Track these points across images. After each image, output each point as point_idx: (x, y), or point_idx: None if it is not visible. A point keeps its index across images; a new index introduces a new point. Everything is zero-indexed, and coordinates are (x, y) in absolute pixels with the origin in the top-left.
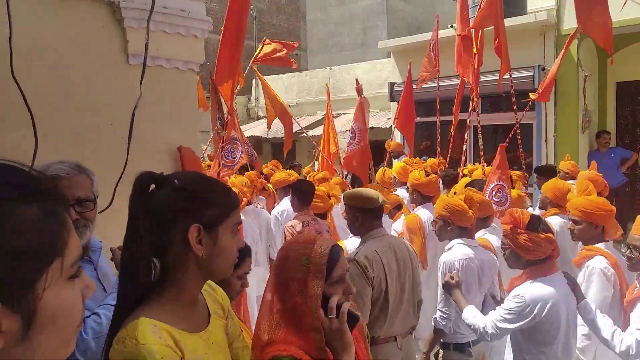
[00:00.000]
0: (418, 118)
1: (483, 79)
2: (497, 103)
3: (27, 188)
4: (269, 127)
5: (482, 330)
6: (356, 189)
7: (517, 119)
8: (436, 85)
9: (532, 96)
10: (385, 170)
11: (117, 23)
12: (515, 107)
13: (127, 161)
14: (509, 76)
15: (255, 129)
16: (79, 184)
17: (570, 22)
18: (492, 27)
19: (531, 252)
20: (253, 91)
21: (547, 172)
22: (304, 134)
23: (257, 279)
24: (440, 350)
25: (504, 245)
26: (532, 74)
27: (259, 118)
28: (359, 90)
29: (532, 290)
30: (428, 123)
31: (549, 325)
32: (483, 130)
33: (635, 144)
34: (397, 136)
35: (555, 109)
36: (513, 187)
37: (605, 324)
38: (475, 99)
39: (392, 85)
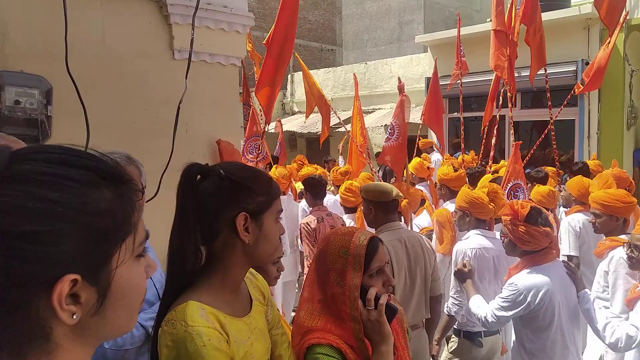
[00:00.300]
0: (456, 113)
1: (524, 73)
2: (539, 98)
3: (103, 172)
4: (307, 117)
5: (483, 319)
6: (371, 183)
7: (551, 115)
8: (470, 80)
9: (577, 89)
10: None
11: (164, 19)
12: (550, 103)
13: (172, 152)
14: (545, 71)
15: (290, 123)
16: (132, 174)
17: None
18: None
19: (527, 244)
20: (288, 86)
21: (579, 171)
22: (339, 129)
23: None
24: (453, 337)
25: (503, 234)
26: (574, 68)
27: (294, 113)
28: (401, 88)
29: (526, 278)
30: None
31: (544, 312)
32: (521, 126)
33: None
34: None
35: (599, 104)
36: (544, 184)
37: (600, 315)
38: (509, 95)
39: (428, 80)
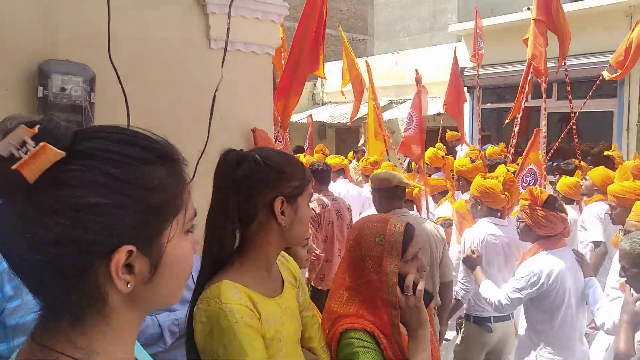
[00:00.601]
0: (489, 104)
1: (551, 65)
2: (575, 89)
3: (158, 151)
4: (342, 92)
5: (497, 303)
6: (376, 172)
7: (571, 107)
8: (506, 70)
9: (605, 75)
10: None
11: (201, 9)
12: (570, 97)
13: (208, 139)
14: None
15: (320, 114)
16: None
17: None
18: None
19: (543, 228)
20: None
21: (599, 161)
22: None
23: None
24: (465, 323)
25: (519, 219)
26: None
27: (324, 103)
28: (418, 80)
29: (540, 260)
30: (499, 109)
31: (555, 293)
32: (552, 117)
33: None
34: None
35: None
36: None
37: (597, 296)
38: (544, 85)
39: (462, 70)
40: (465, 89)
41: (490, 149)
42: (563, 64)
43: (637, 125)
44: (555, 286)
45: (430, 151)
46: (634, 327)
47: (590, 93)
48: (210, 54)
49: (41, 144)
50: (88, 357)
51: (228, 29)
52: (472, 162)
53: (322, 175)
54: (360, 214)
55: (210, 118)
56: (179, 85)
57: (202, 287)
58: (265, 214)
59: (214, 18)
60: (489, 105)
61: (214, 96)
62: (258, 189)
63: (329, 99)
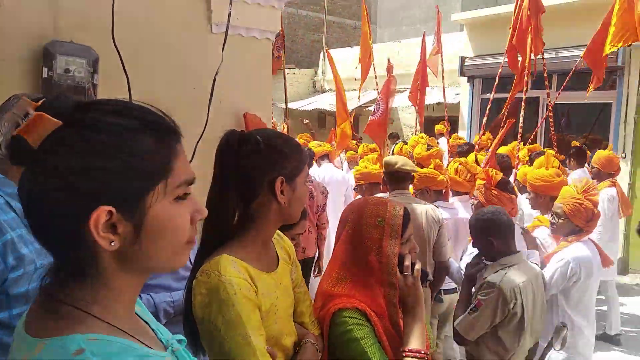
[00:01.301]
0: (488, 94)
1: (562, 54)
2: (576, 80)
3: (148, 121)
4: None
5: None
6: (387, 157)
7: (549, 100)
8: (500, 61)
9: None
10: (402, 145)
11: None
12: (547, 88)
13: (207, 122)
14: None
15: (320, 102)
16: None
17: None
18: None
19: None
20: (320, 64)
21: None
22: (369, 108)
23: None
24: None
25: (474, 197)
26: (616, 50)
27: (324, 91)
28: (389, 70)
29: None
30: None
31: None
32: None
33: None
34: (465, 112)
35: (638, 88)
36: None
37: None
38: (525, 79)
39: (462, 59)
40: (465, 79)
41: (476, 137)
42: (540, 55)
43: (634, 117)
44: None
45: (397, 147)
46: None
47: (595, 84)
48: (212, 38)
49: (37, 113)
50: (87, 307)
51: (229, 14)
52: (428, 149)
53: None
54: (344, 197)
55: (210, 101)
56: (180, 69)
57: (202, 262)
58: (266, 193)
59: (216, 2)
60: (489, 95)
61: (214, 80)
62: (259, 169)
63: (330, 86)
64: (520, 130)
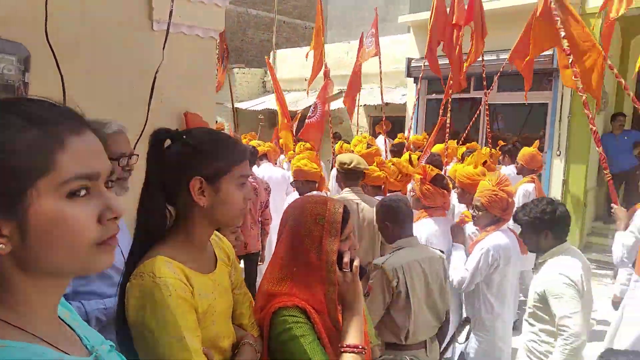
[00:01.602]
0: (434, 94)
1: (502, 56)
2: (519, 82)
3: (32, 116)
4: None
5: None
6: (340, 155)
7: (486, 100)
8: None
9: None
10: (342, 144)
11: None
12: (485, 89)
13: (147, 122)
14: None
15: (270, 102)
16: (126, 140)
17: (595, 0)
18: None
19: (427, 199)
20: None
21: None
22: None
23: None
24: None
25: (412, 191)
26: (551, 53)
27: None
28: (326, 74)
29: (422, 223)
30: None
31: (433, 243)
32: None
33: None
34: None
35: (571, 89)
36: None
37: (455, 258)
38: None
39: (409, 60)
40: (412, 79)
41: (412, 137)
42: (480, 58)
43: (568, 117)
44: (429, 243)
45: (338, 145)
46: None
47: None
48: (153, 36)
49: None
50: None
51: (171, 11)
52: (368, 147)
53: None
54: (286, 194)
55: (150, 100)
56: (119, 67)
57: (134, 265)
58: (187, 194)
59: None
60: (434, 95)
61: (154, 78)
62: (179, 169)
63: (281, 86)
64: (464, 131)
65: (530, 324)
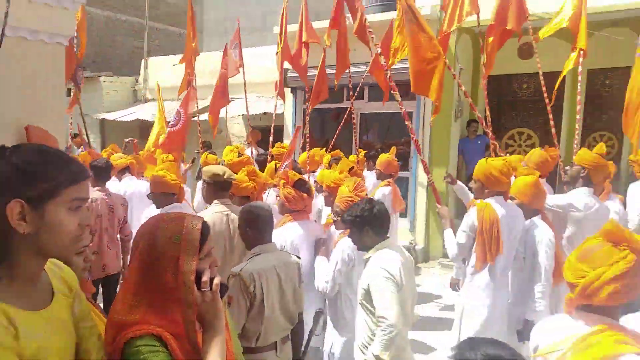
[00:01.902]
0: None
1: (360, 69)
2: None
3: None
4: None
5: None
6: (207, 167)
7: (352, 108)
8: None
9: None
10: (207, 155)
11: None
12: (352, 99)
13: None
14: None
15: (142, 112)
16: None
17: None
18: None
19: (290, 203)
20: (142, 72)
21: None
22: (194, 118)
23: None
24: None
25: (277, 195)
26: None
27: (147, 101)
28: (190, 82)
29: (287, 227)
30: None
31: (292, 251)
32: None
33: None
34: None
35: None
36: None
37: (322, 267)
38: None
39: (286, 70)
40: (289, 89)
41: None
42: (347, 71)
43: (430, 124)
44: (295, 247)
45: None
46: None
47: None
48: None
49: None
50: None
51: (6, 13)
52: (239, 156)
53: (99, 171)
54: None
55: None
56: None
57: None
58: (4, 219)
59: None
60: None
61: None
62: None
63: (152, 95)
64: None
65: (364, 319)
